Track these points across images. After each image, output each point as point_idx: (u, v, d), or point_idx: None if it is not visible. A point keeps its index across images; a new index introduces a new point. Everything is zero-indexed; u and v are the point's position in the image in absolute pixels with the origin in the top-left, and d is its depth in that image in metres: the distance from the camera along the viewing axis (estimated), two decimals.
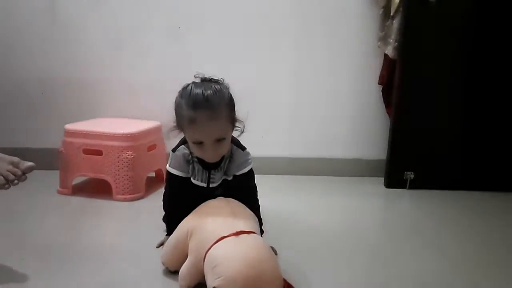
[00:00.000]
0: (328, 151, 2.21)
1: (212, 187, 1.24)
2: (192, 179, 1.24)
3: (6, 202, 1.60)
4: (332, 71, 2.14)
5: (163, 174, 1.98)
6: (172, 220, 1.24)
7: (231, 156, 1.23)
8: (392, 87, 2.03)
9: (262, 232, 1.31)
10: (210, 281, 0.93)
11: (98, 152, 1.73)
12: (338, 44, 2.11)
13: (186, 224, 1.11)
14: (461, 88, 2.00)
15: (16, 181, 1.09)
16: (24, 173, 1.10)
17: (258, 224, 1.12)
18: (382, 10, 2.04)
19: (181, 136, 1.19)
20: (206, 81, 1.13)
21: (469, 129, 2.02)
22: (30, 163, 1.11)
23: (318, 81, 2.14)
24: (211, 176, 1.23)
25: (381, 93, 2.14)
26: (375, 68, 2.11)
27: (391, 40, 2.01)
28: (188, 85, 1.12)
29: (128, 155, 1.71)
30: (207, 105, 1.06)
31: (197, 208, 1.14)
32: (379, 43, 2.07)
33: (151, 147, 1.87)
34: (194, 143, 1.11)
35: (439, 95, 1.99)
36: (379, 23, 2.06)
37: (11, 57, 2.06)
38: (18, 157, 1.12)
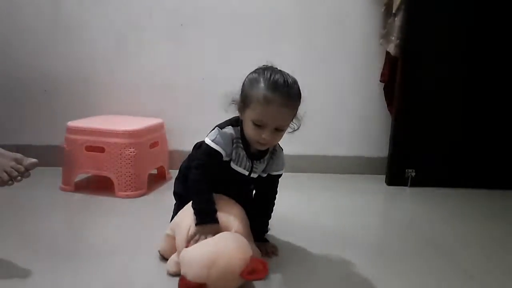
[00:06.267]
0: (330, 148, 2.21)
1: (252, 178, 1.21)
2: (232, 163, 1.18)
3: (9, 199, 1.60)
4: (333, 68, 2.14)
5: (165, 171, 1.99)
6: (204, 202, 1.12)
7: (273, 152, 1.23)
8: (394, 85, 2.03)
9: (266, 232, 1.33)
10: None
11: (101, 149, 1.73)
12: (340, 42, 2.11)
13: (176, 219, 1.19)
14: (463, 86, 2.00)
15: (19, 177, 1.10)
16: (27, 169, 1.10)
17: (244, 221, 1.16)
18: (384, 7, 2.04)
19: (231, 112, 1.16)
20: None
21: (470, 127, 2.03)
22: (33, 160, 1.12)
23: (320, 79, 2.14)
24: (254, 165, 1.20)
25: (382, 91, 2.14)
26: (377, 65, 2.11)
27: (393, 38, 2.01)
28: (266, 67, 1.12)
29: (130, 152, 1.72)
30: (286, 92, 1.07)
31: (185, 207, 1.18)
32: (381, 40, 2.07)
33: (153, 144, 1.87)
34: (255, 123, 1.08)
35: (441, 93, 1.99)
36: (381, 21, 2.06)
37: (14, 55, 2.07)
38: (21, 154, 1.12)
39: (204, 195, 1.13)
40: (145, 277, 1.13)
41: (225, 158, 1.16)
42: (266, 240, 1.31)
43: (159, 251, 1.22)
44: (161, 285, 1.10)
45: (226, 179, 1.20)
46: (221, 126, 1.18)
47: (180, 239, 1.10)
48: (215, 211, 1.11)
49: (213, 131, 1.18)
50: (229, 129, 1.16)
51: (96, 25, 2.05)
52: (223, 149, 1.14)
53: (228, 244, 1.02)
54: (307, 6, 2.07)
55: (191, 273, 0.97)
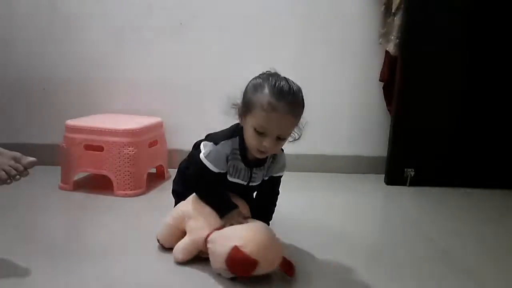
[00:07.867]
0: (329, 148, 2.21)
1: (251, 186, 1.21)
2: (228, 176, 1.17)
3: (7, 197, 1.60)
4: (333, 67, 2.14)
5: (164, 170, 1.99)
6: (216, 196, 1.18)
7: (274, 156, 1.21)
8: (393, 84, 2.03)
9: None
10: (224, 249, 1.04)
11: (100, 148, 1.73)
12: (339, 41, 2.11)
13: (181, 208, 1.22)
14: (462, 85, 2.00)
15: (18, 176, 1.09)
16: (26, 168, 1.10)
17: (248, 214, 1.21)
18: (383, 7, 2.04)
19: (232, 120, 1.14)
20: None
21: (470, 126, 2.03)
22: (32, 159, 1.11)
23: (319, 78, 2.13)
24: (253, 175, 1.19)
25: (382, 90, 2.14)
26: (376, 65, 2.11)
27: (392, 37, 2.01)
28: (270, 73, 1.10)
29: (129, 151, 1.71)
30: (291, 99, 1.05)
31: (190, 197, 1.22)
32: (380, 40, 2.07)
33: (152, 143, 1.87)
34: (257, 131, 1.06)
35: (440, 92, 1.99)
36: (381, 20, 2.06)
37: (13, 53, 2.06)
38: (19, 153, 1.12)
39: (211, 190, 1.18)
40: (145, 275, 1.13)
41: (221, 171, 1.16)
42: None
43: (158, 240, 1.25)
44: (161, 283, 1.10)
45: (226, 186, 1.20)
46: (216, 140, 1.16)
47: (200, 222, 1.15)
48: (229, 198, 1.18)
49: (208, 145, 1.17)
50: (222, 146, 1.14)
51: (96, 23, 2.05)
52: (215, 166, 1.14)
53: (276, 238, 1.11)
54: (306, 5, 2.07)
55: (251, 249, 1.01)
